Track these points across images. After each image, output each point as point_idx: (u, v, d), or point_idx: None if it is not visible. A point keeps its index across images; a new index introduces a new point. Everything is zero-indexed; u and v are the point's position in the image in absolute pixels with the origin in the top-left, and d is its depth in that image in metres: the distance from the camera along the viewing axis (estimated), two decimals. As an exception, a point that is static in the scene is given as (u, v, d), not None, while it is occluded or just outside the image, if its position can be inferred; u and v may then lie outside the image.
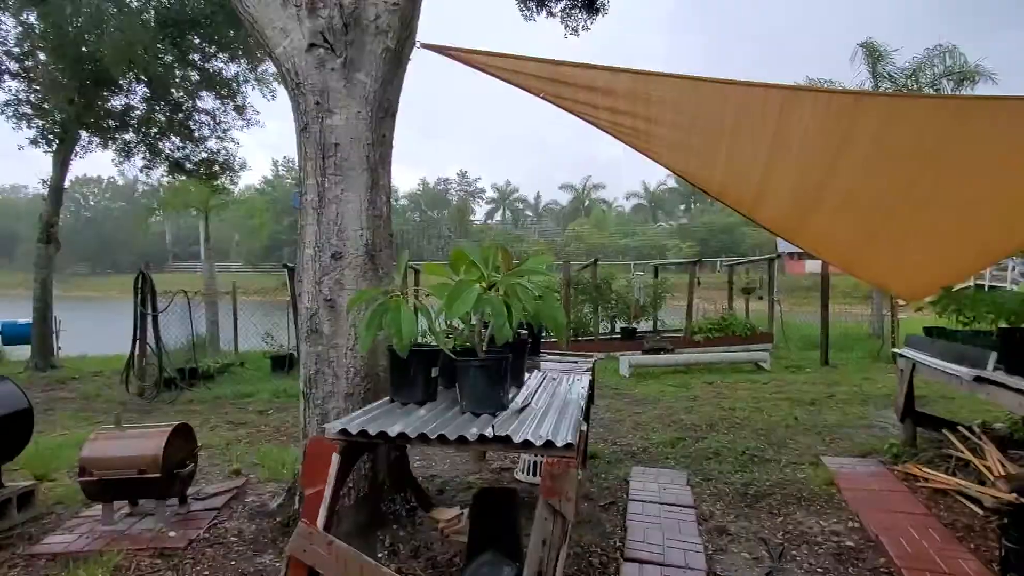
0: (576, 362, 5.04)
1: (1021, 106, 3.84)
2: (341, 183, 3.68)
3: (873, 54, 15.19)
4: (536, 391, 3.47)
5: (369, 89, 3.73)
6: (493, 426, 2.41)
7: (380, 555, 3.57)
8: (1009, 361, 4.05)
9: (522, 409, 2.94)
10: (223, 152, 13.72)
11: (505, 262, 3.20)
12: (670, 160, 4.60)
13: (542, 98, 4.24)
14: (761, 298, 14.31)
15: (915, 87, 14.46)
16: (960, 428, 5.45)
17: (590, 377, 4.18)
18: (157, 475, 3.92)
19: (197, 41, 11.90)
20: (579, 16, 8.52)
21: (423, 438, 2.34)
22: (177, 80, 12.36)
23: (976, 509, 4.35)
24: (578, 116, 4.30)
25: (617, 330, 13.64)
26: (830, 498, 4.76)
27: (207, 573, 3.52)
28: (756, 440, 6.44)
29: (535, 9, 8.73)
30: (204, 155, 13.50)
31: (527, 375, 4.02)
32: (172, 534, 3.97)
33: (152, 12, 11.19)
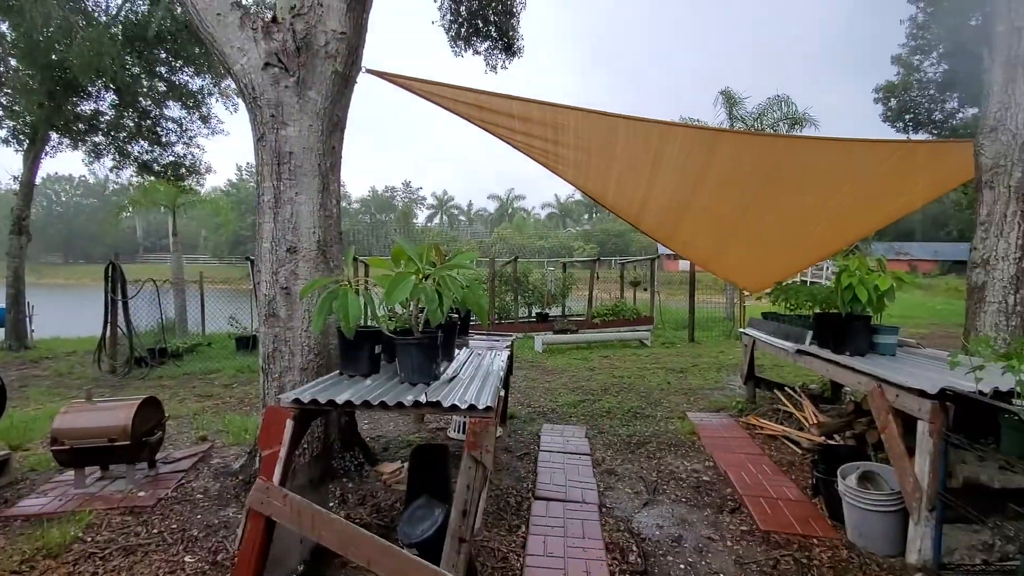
0: (498, 341, 5.10)
1: (833, 144, 4.22)
2: (295, 187, 3.57)
3: (730, 100, 16.03)
4: (464, 364, 3.54)
5: (320, 106, 3.63)
6: (426, 394, 2.47)
7: (331, 504, 3.55)
8: (820, 338, 4.23)
9: (451, 379, 3.01)
10: (189, 157, 12.74)
11: (438, 257, 3.25)
12: (573, 178, 4.73)
13: (472, 122, 4.26)
14: (645, 289, 14.94)
15: (760, 127, 15.38)
16: (787, 388, 5.78)
17: (509, 352, 4.26)
18: (127, 443, 3.71)
19: (163, 55, 10.95)
20: (499, 56, 8.50)
21: (367, 404, 2.36)
22: (145, 90, 11.32)
23: (796, 449, 4.71)
24: (500, 139, 4.34)
25: (533, 315, 13.84)
26: (692, 444, 5.01)
27: (175, 526, 3.37)
28: (639, 400, 6.63)
29: (463, 48, 8.66)
30: (171, 159, 12.48)
31: (457, 351, 4.08)
32: (141, 494, 3.77)
33: (120, 27, 10.20)
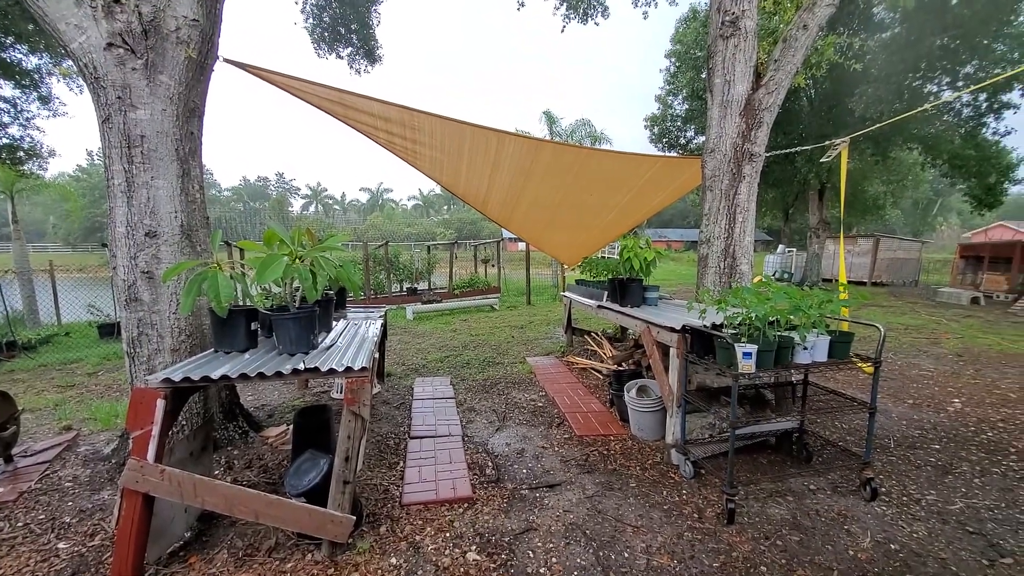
0: (373, 312, 4.86)
1: (616, 155, 4.68)
2: (150, 171, 2.93)
3: (551, 118, 16.99)
4: (341, 334, 3.32)
5: (174, 91, 2.99)
6: (304, 361, 2.27)
7: (217, 472, 3.12)
8: (612, 296, 4.55)
9: (329, 347, 2.81)
10: (28, 139, 9.61)
11: (310, 240, 2.96)
12: (430, 172, 4.60)
13: (335, 117, 3.89)
14: (493, 266, 15.38)
15: (572, 139, 16.60)
16: (592, 333, 6.47)
17: (382, 322, 4.08)
18: (-30, 441, 2.82)
19: None
20: (361, 61, 7.85)
21: (244, 377, 2.10)
22: None
23: (599, 375, 5.29)
24: (363, 134, 4.03)
25: (404, 289, 13.45)
26: (531, 380, 5.33)
27: (42, 516, 2.69)
28: (491, 352, 6.82)
29: (327, 51, 7.82)
30: (6, 141, 9.32)
31: (335, 323, 3.81)
32: (0, 490, 2.92)
33: None
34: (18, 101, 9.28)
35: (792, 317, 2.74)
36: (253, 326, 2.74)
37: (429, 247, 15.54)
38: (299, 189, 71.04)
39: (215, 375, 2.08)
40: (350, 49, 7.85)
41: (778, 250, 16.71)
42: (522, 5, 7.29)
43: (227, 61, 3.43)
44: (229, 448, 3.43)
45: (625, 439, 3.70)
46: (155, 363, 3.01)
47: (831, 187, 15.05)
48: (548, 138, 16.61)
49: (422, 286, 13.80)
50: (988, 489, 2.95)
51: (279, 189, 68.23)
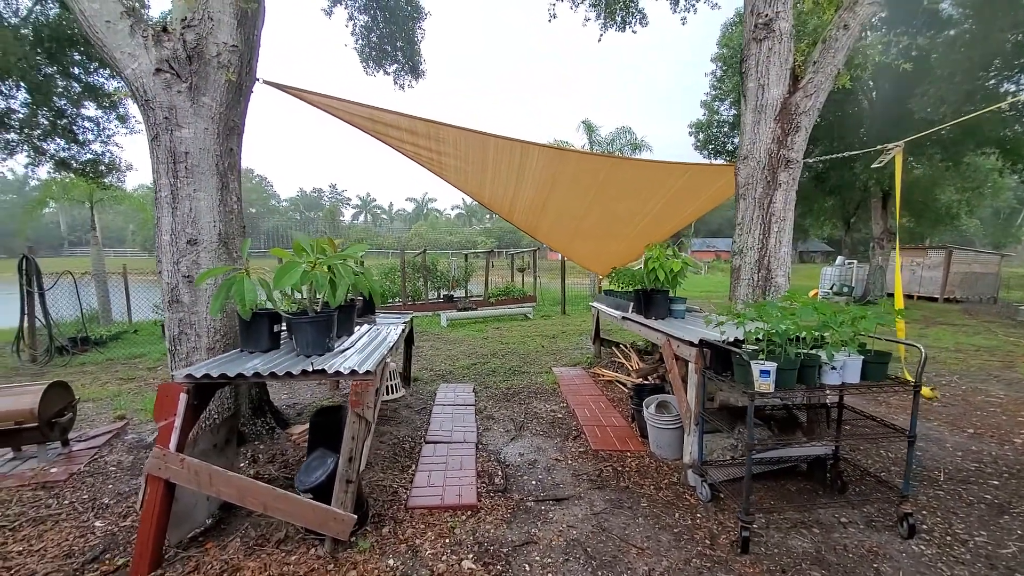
0: (399, 318, 5.01)
1: (645, 163, 4.58)
2: (192, 184, 3.19)
3: (589, 128, 16.84)
4: (361, 338, 3.44)
5: (215, 111, 3.26)
6: (312, 363, 2.37)
7: (242, 464, 3.31)
8: (637, 307, 4.45)
9: (345, 350, 2.91)
10: (108, 155, 10.73)
11: (331, 249, 3.10)
12: (456, 181, 4.70)
13: (366, 132, 4.07)
14: (529, 274, 15.42)
15: (611, 149, 16.39)
16: (621, 345, 6.33)
17: (404, 328, 4.18)
18: (34, 424, 3.20)
19: (78, 57, 9.10)
20: (406, 76, 8.19)
21: (257, 375, 2.23)
22: (59, 89, 9.36)
23: (624, 389, 5.14)
24: (392, 147, 4.19)
25: (441, 296, 13.76)
26: (554, 391, 5.27)
27: (86, 496, 2.97)
28: (518, 361, 6.81)
29: (375, 68, 8.24)
30: (90, 156, 10.45)
31: (360, 327, 3.95)
32: (54, 470, 3.26)
33: (31, 28, 8.31)
34: (100, 120, 10.38)
35: (822, 334, 2.57)
36: (276, 328, 2.91)
37: (467, 255, 15.80)
38: (350, 200, 74.68)
39: (231, 373, 2.22)
40: (395, 66, 8.20)
41: (837, 262, 15.61)
42: (554, 17, 7.33)
43: (266, 83, 3.68)
44: (256, 443, 3.63)
45: (643, 456, 3.57)
46: (192, 360, 3.24)
47: (895, 194, 13.93)
48: (587, 147, 16.52)
49: (459, 294, 14.06)
50: (1053, 534, 2.61)
51: (332, 200, 71.95)
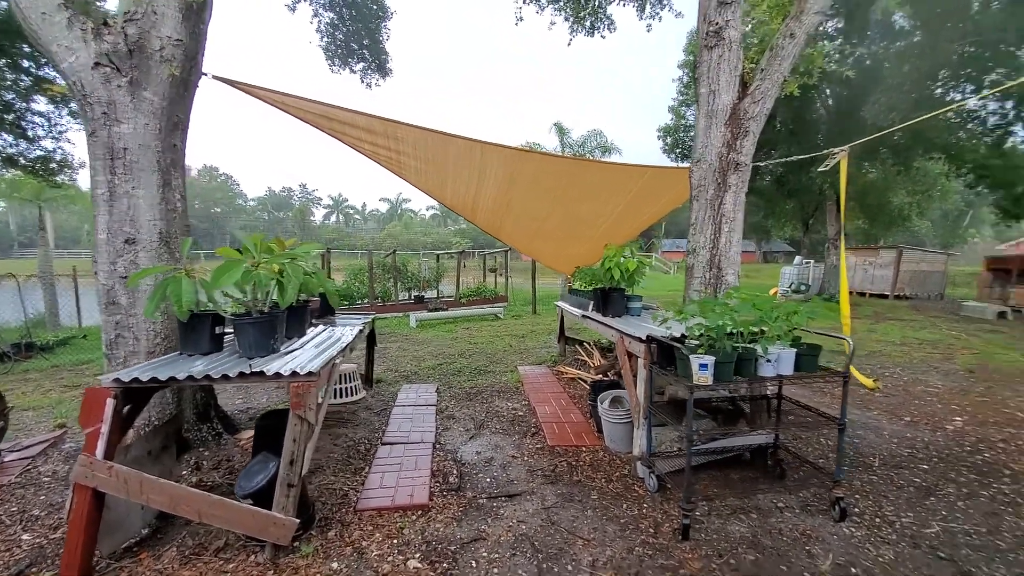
0: (360, 319, 4.93)
1: (606, 166, 4.66)
2: (131, 181, 3.08)
3: (561, 130, 17.01)
4: (312, 339, 3.38)
5: (158, 106, 3.15)
6: (251, 365, 2.32)
7: (185, 471, 3.19)
8: (596, 306, 4.47)
9: (291, 352, 2.86)
10: (59, 152, 10.18)
11: (280, 248, 3.04)
12: (416, 181, 4.66)
13: (322, 130, 4.00)
14: (501, 274, 15.44)
15: (582, 151, 16.59)
16: (585, 343, 6.42)
17: (360, 329, 4.10)
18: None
19: (28, 49, 8.59)
20: (373, 75, 8.09)
21: (191, 378, 2.16)
22: (8, 83, 8.82)
23: (585, 386, 5.16)
24: (349, 146, 4.13)
25: (412, 297, 13.64)
26: (517, 390, 5.29)
27: (14, 509, 2.81)
28: (485, 360, 6.78)
29: (340, 67, 8.10)
30: (39, 153, 9.89)
31: (315, 329, 3.88)
32: None
33: None
34: (51, 115, 9.84)
35: (760, 328, 2.67)
36: (218, 330, 2.83)
37: (438, 256, 15.72)
38: (321, 199, 73.05)
39: (162, 376, 2.15)
40: (362, 64, 8.10)
41: (795, 261, 16.24)
42: (520, 19, 7.39)
43: (215, 78, 3.58)
44: (201, 449, 3.50)
45: (597, 450, 3.63)
46: (131, 364, 3.12)
47: (849, 198, 14.58)
48: (559, 149, 16.66)
49: (430, 294, 13.95)
50: (971, 513, 2.78)
51: (302, 199, 70.23)
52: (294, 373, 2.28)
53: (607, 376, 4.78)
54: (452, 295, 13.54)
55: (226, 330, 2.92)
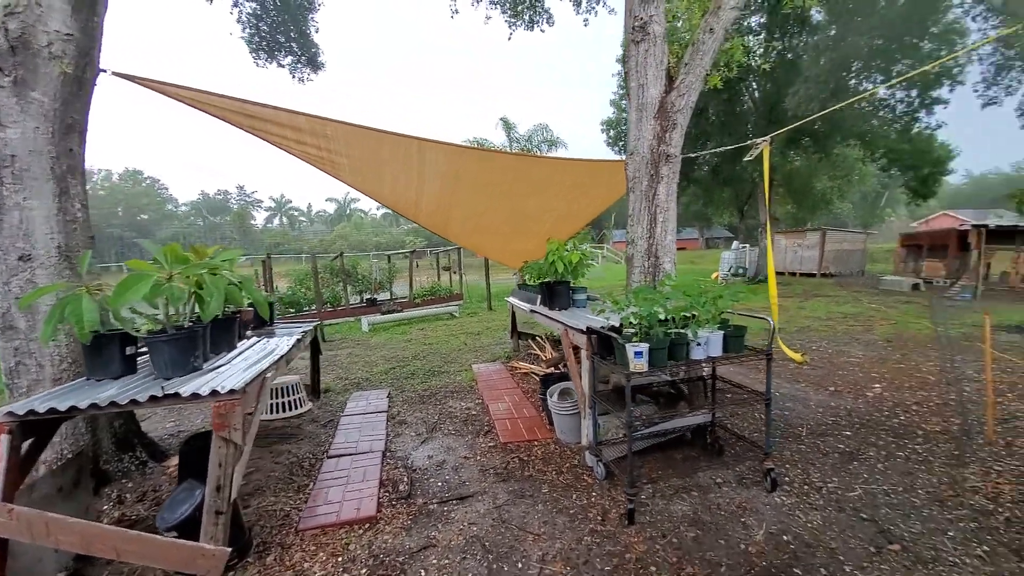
0: (300, 327, 4.70)
1: (547, 160, 4.68)
2: (23, 191, 2.76)
3: (508, 125, 17.04)
4: (242, 353, 3.18)
5: (48, 107, 2.84)
6: (163, 387, 2.14)
7: (106, 506, 2.93)
8: (544, 300, 4.49)
9: (217, 368, 2.67)
10: None
11: (197, 257, 2.83)
12: (352, 181, 4.48)
13: (241, 128, 3.75)
14: (455, 272, 15.29)
15: (529, 146, 16.71)
16: (538, 337, 6.48)
17: (299, 338, 3.91)
18: None
19: None
20: (304, 69, 7.69)
21: (94, 406, 1.97)
22: None
23: (537, 379, 5.21)
24: (273, 144, 3.90)
25: (364, 300, 13.24)
26: (471, 388, 5.24)
27: None
28: (439, 361, 6.67)
29: (267, 59, 7.63)
30: None
31: (248, 341, 3.66)
32: None
33: None
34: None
35: (692, 313, 2.77)
36: (130, 351, 2.60)
37: (389, 256, 15.35)
38: (262, 202, 69.06)
39: (62, 406, 1.95)
40: (291, 58, 7.69)
41: (733, 246, 17.17)
42: (456, 12, 7.28)
43: (115, 74, 3.27)
44: (124, 480, 3.22)
45: (549, 443, 3.66)
46: (35, 393, 2.81)
47: (778, 183, 15.57)
48: (507, 144, 16.67)
49: (383, 296, 13.61)
50: (889, 474, 3.03)
51: (240, 202, 66.22)
52: (214, 392, 2.12)
53: (558, 368, 4.83)
54: (406, 296, 13.26)
55: (141, 350, 2.69)
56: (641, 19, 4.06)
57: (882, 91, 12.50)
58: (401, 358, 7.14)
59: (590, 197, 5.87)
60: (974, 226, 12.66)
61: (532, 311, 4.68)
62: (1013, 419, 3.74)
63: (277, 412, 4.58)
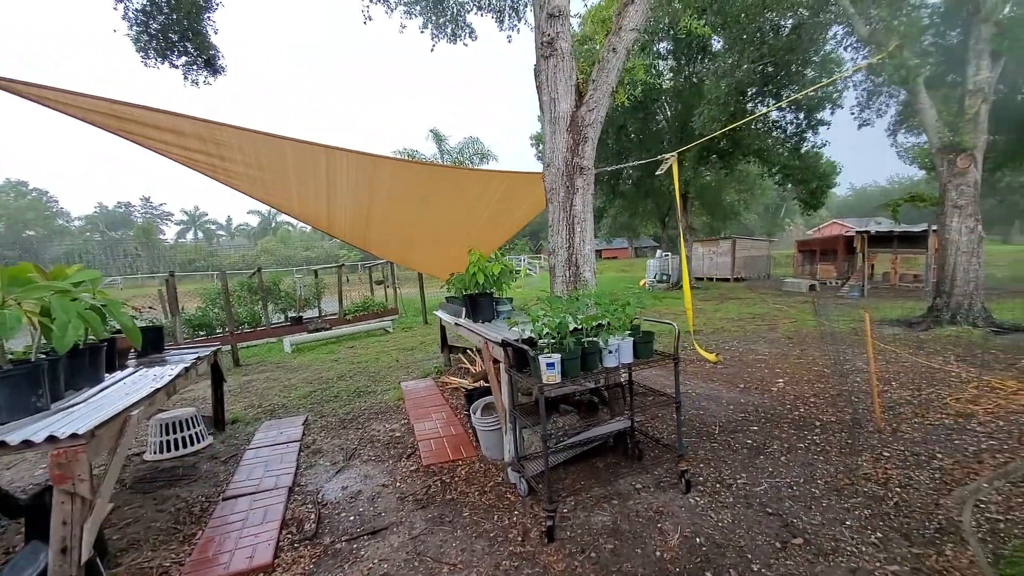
0: (197, 353, 4.21)
1: (467, 172, 4.60)
2: None
3: (438, 137, 16.93)
4: (110, 387, 2.74)
5: None
6: (-18, 437, 1.75)
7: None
8: (468, 312, 4.37)
9: (69, 407, 2.26)
10: None
11: (40, 277, 2.40)
12: (250, 191, 4.11)
13: (109, 132, 3.29)
14: (389, 286, 14.75)
15: (461, 159, 16.70)
16: (468, 351, 6.34)
17: (188, 366, 3.48)
18: None
19: None
20: (200, 71, 7.03)
21: None
22: None
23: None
24: (151, 150, 3.46)
25: (287, 319, 12.31)
26: (397, 408, 4.96)
27: None
28: (366, 380, 6.31)
29: (158, 60, 6.90)
30: None
31: (123, 372, 3.18)
32: None
33: None
34: None
35: (605, 322, 2.78)
36: (-48, 394, 2.12)
37: (316, 271, 14.48)
38: (171, 215, 62.70)
39: None
40: (185, 58, 7.01)
41: (657, 255, 18.21)
42: (369, 19, 7.07)
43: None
44: (-42, 550, 2.64)
45: (474, 462, 3.52)
46: None
47: (693, 196, 16.76)
48: (437, 156, 16.49)
49: (311, 314, 12.77)
50: (791, 466, 3.18)
51: (146, 215, 59.80)
52: (51, 438, 1.76)
53: (485, 382, 4.71)
54: (336, 313, 12.54)
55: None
56: (548, 35, 4.14)
57: (774, 113, 13.96)
58: (324, 379, 6.67)
59: (515, 207, 5.87)
60: (858, 232, 14.39)
61: (457, 324, 4.54)
62: (898, 406, 4.14)
63: (166, 451, 4.03)
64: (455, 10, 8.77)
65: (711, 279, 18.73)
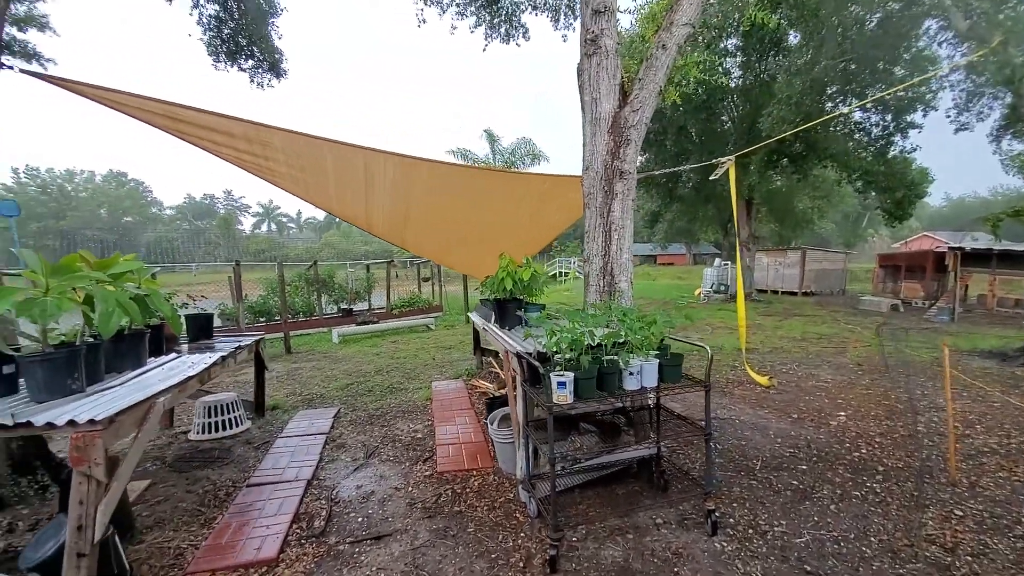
0: (235, 341, 4.43)
1: (504, 174, 4.51)
2: None
3: (491, 137, 17.01)
4: (147, 372, 2.91)
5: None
6: (12, 414, 1.89)
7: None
8: (497, 316, 4.34)
9: (105, 390, 2.41)
10: None
11: (88, 265, 2.59)
12: (292, 189, 4.26)
13: (167, 132, 3.53)
14: (435, 283, 15.05)
15: (512, 159, 16.67)
16: (500, 355, 6.25)
17: (223, 355, 3.63)
18: None
19: None
20: (264, 74, 7.50)
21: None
22: None
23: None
24: (204, 150, 3.68)
25: (339, 311, 12.94)
26: (424, 409, 4.97)
27: None
28: (401, 376, 6.39)
29: (227, 63, 7.44)
30: None
31: (165, 358, 3.40)
32: None
33: None
34: None
35: (626, 339, 2.58)
36: (6, 370, 2.34)
37: (368, 266, 15.07)
38: (250, 207, 68.33)
39: None
40: (252, 62, 7.50)
41: (715, 264, 17.18)
42: (423, 22, 7.18)
43: (23, 71, 3.05)
44: (20, 507, 2.93)
45: (488, 474, 3.42)
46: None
47: (758, 203, 15.64)
48: (490, 157, 16.58)
49: (361, 306, 13.31)
50: (842, 516, 2.79)
51: (227, 207, 65.48)
52: (71, 422, 1.87)
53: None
54: (384, 307, 12.98)
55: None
56: (592, 32, 3.95)
57: (857, 114, 12.67)
58: (363, 372, 6.86)
59: (554, 210, 5.71)
60: (950, 248, 12.75)
61: (485, 328, 4.47)
62: (980, 455, 3.55)
63: (208, 432, 4.29)
64: (510, 9, 8.72)
65: (776, 292, 17.39)
